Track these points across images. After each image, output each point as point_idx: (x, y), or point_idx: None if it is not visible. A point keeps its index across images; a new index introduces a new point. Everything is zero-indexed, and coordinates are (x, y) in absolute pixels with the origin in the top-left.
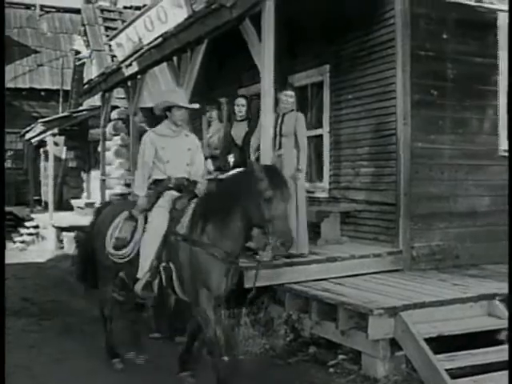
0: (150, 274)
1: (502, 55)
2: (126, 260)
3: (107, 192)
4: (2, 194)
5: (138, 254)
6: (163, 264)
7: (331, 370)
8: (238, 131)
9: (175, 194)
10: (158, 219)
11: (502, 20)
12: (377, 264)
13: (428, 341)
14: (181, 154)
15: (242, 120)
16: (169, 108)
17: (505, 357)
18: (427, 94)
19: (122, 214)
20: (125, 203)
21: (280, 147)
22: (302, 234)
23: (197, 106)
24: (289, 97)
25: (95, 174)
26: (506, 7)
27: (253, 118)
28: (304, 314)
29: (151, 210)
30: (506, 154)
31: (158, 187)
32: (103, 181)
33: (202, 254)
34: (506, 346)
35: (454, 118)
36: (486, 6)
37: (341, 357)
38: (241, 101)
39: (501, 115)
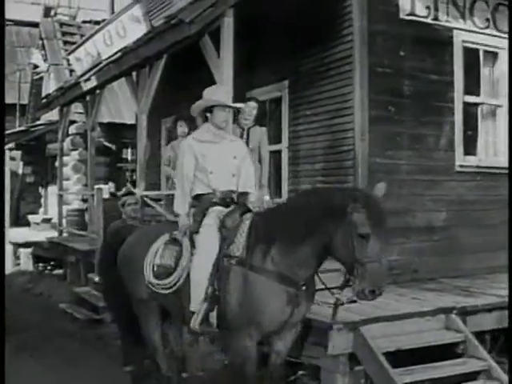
0: (206, 304)
1: (458, 72)
2: (172, 290)
3: (64, 207)
4: (2, 196)
5: (185, 283)
6: (216, 293)
7: None
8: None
9: (222, 209)
10: (208, 240)
11: (458, 38)
12: (336, 279)
13: (386, 355)
14: (225, 162)
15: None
16: (210, 108)
17: (462, 370)
18: (385, 110)
19: (161, 238)
20: (160, 226)
21: None
22: None
23: (242, 105)
24: (252, 108)
25: (53, 190)
26: (461, 25)
27: None
28: None
29: (198, 230)
30: (462, 170)
31: (201, 203)
32: (61, 196)
33: (261, 280)
34: (463, 360)
35: (411, 134)
36: (442, 23)
37: (300, 372)
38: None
39: (457, 131)
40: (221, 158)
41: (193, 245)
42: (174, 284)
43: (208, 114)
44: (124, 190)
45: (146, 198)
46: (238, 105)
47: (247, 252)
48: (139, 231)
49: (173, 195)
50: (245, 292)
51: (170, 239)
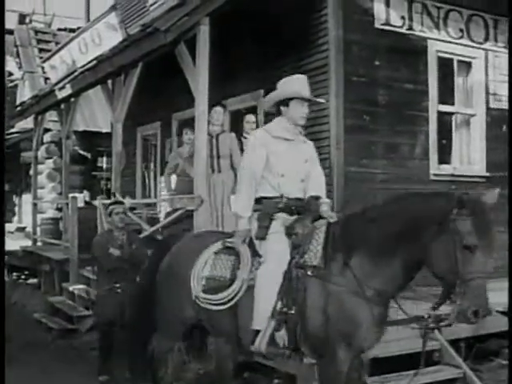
0: (274, 322)
1: (432, 82)
2: (226, 306)
3: (39, 216)
4: (2, 194)
5: (245, 298)
6: (285, 309)
7: None
8: None
9: (288, 217)
10: (279, 248)
11: (432, 47)
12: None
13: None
14: (297, 165)
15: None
16: (286, 101)
17: (437, 377)
18: (360, 119)
19: (212, 247)
20: (208, 234)
21: (220, 170)
22: None
23: (323, 100)
24: (219, 113)
25: (27, 198)
26: (435, 35)
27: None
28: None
29: (265, 237)
30: (437, 178)
31: (266, 208)
32: (35, 205)
33: (346, 294)
34: (439, 367)
35: (386, 143)
36: (416, 33)
37: (276, 381)
38: (251, 118)
39: (431, 140)
40: (293, 159)
41: (254, 253)
42: (231, 299)
43: (283, 108)
44: (113, 198)
45: (105, 210)
46: (320, 100)
47: (325, 262)
48: (183, 241)
49: (151, 204)
50: (328, 306)
51: (222, 247)
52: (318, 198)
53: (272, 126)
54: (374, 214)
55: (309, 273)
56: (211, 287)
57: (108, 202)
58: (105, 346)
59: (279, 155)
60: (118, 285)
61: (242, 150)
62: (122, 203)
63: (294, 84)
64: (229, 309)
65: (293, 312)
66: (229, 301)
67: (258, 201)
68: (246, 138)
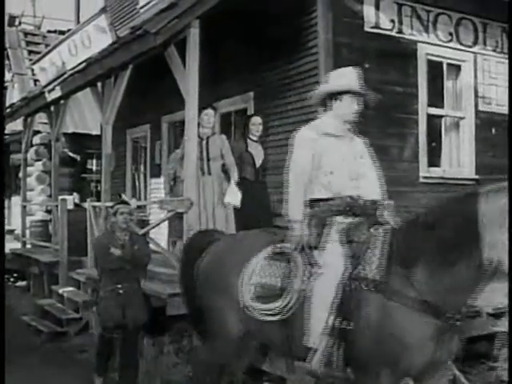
0: (329, 339)
1: (422, 85)
2: (280, 317)
3: (28, 218)
4: (2, 197)
5: (298, 310)
6: (340, 325)
7: None
8: (256, 152)
9: (342, 220)
10: (334, 257)
11: (422, 51)
12: None
13: None
14: (347, 162)
15: (256, 141)
16: (336, 95)
17: None
18: None
19: (263, 252)
20: (257, 233)
21: (210, 172)
22: None
23: (374, 95)
24: (210, 116)
25: (16, 200)
26: (425, 39)
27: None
28: None
29: (321, 245)
30: (427, 181)
31: (320, 211)
32: (24, 207)
33: (403, 311)
34: None
35: (376, 146)
36: (406, 37)
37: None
38: (257, 119)
39: (421, 143)
40: (342, 156)
41: (307, 262)
42: (284, 310)
43: (332, 102)
44: (121, 198)
45: (110, 209)
46: (372, 94)
47: (382, 274)
48: (228, 240)
49: (141, 206)
50: (382, 325)
51: (273, 252)
52: (374, 202)
53: (318, 123)
54: (434, 219)
55: (364, 286)
56: (261, 296)
57: (112, 203)
58: (104, 348)
59: (327, 152)
60: (120, 285)
61: (247, 151)
62: (127, 203)
63: (345, 76)
64: (282, 321)
65: (348, 328)
66: (280, 312)
67: (309, 204)
68: (252, 139)
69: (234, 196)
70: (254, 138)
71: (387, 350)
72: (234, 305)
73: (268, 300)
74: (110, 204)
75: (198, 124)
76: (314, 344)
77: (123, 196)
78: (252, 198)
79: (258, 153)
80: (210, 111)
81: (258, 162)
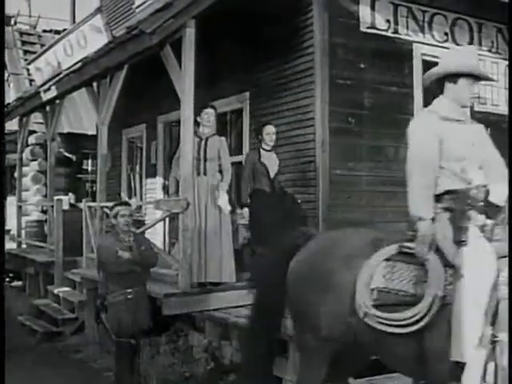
0: (485, 351)
1: (417, 85)
2: (413, 329)
3: (23, 219)
4: (2, 197)
5: (437, 320)
6: (495, 334)
7: None
8: (269, 162)
9: (481, 217)
10: (481, 257)
11: (418, 51)
12: None
13: None
14: (472, 149)
15: (270, 150)
16: (453, 77)
17: None
18: (345, 121)
19: (383, 251)
20: (357, 232)
21: (205, 173)
22: (227, 262)
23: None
24: (210, 115)
25: (11, 200)
26: (420, 39)
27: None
28: (224, 341)
29: (460, 243)
30: None
31: (457, 203)
32: (20, 207)
33: None
34: None
35: (372, 146)
36: (402, 37)
37: None
38: (271, 129)
39: None
40: (467, 142)
41: (448, 263)
42: (419, 320)
43: (448, 85)
44: (121, 198)
45: (106, 210)
46: (493, 79)
47: None
48: (324, 238)
49: (136, 207)
50: None
51: (396, 254)
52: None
53: (437, 107)
54: None
55: None
56: (385, 302)
57: (111, 204)
58: (125, 361)
59: (453, 137)
60: (130, 290)
61: (260, 161)
62: (128, 204)
63: (467, 57)
64: (415, 332)
65: (504, 339)
66: (415, 322)
67: (441, 197)
68: (265, 149)
69: (225, 200)
70: (268, 148)
71: None
72: (341, 309)
73: (395, 308)
74: (108, 205)
75: (198, 123)
76: (463, 358)
77: (123, 196)
78: (269, 210)
79: (271, 162)
80: (210, 110)
81: (273, 172)
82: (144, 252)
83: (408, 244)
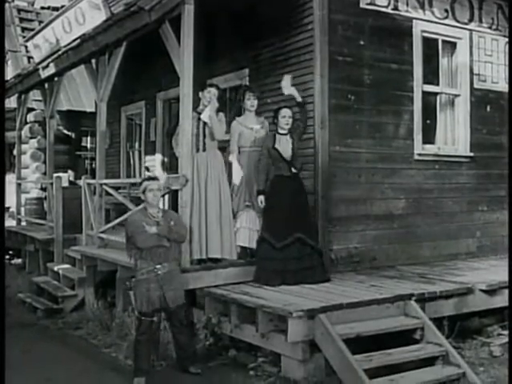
0: None
1: (417, 62)
2: None
3: (23, 196)
4: (2, 197)
5: None
6: None
7: (251, 372)
8: (285, 145)
9: None
10: None
11: (417, 28)
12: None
13: (346, 342)
14: None
15: (286, 134)
16: None
17: (420, 355)
18: (344, 98)
19: None
20: None
21: (204, 149)
22: (227, 239)
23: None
24: (212, 94)
25: (10, 178)
26: (420, 16)
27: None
28: (224, 317)
29: None
30: (421, 158)
31: None
32: (19, 185)
33: None
34: (421, 345)
35: (371, 123)
36: (402, 14)
37: (261, 359)
38: (287, 112)
39: (416, 120)
40: None
41: None
42: None
43: None
44: (147, 174)
45: (105, 187)
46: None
47: None
48: None
49: (135, 184)
50: None
51: None
52: None
53: None
54: None
55: None
56: None
57: (139, 180)
58: (146, 338)
59: None
60: (159, 266)
61: (274, 148)
62: (156, 179)
63: None
64: None
65: None
66: None
67: None
68: (280, 133)
69: (206, 115)
70: (283, 132)
71: None
72: None
73: None
74: (108, 182)
75: (200, 101)
76: None
77: (152, 171)
78: (289, 195)
79: (285, 145)
80: (213, 89)
81: (288, 155)
82: (174, 227)
83: None
